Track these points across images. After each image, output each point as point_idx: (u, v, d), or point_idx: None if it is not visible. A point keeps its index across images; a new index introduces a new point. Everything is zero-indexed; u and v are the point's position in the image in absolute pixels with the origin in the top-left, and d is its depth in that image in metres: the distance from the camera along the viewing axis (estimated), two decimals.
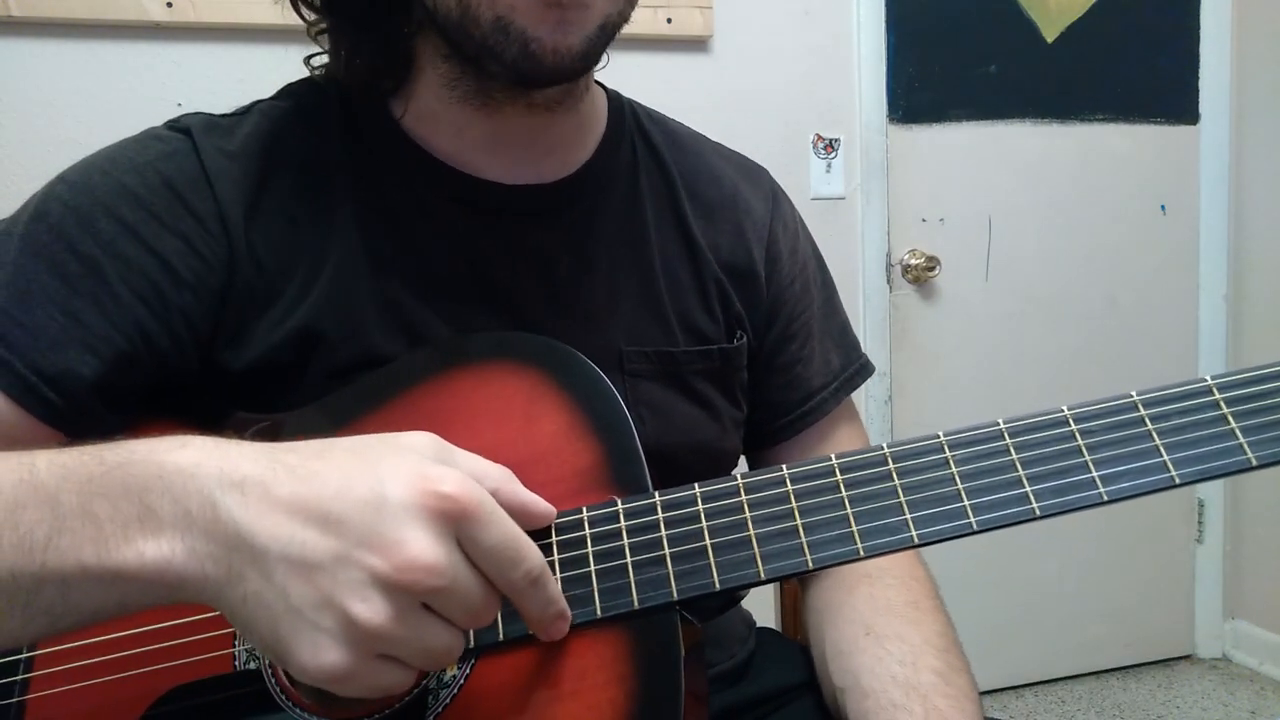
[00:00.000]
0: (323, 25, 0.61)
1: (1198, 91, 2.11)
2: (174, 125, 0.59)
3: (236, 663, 0.49)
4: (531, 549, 0.40)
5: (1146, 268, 2.12)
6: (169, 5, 1.52)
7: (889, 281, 1.98)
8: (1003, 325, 2.06)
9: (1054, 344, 2.08)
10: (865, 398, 1.97)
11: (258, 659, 0.49)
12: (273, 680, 0.48)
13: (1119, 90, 2.07)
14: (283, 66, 0.67)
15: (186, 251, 0.54)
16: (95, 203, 0.53)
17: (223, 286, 0.55)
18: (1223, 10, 2.09)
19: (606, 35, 0.54)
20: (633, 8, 0.56)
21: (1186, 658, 2.24)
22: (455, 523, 0.38)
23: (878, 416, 1.98)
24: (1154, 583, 2.19)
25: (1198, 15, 2.09)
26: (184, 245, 0.54)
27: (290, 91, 0.63)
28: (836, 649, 0.63)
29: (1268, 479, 2.08)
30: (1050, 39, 2.02)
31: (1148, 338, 2.13)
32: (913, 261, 1.98)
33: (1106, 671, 2.19)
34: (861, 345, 0.77)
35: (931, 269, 1.98)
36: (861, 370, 0.74)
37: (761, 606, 0.84)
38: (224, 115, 0.61)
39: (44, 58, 1.51)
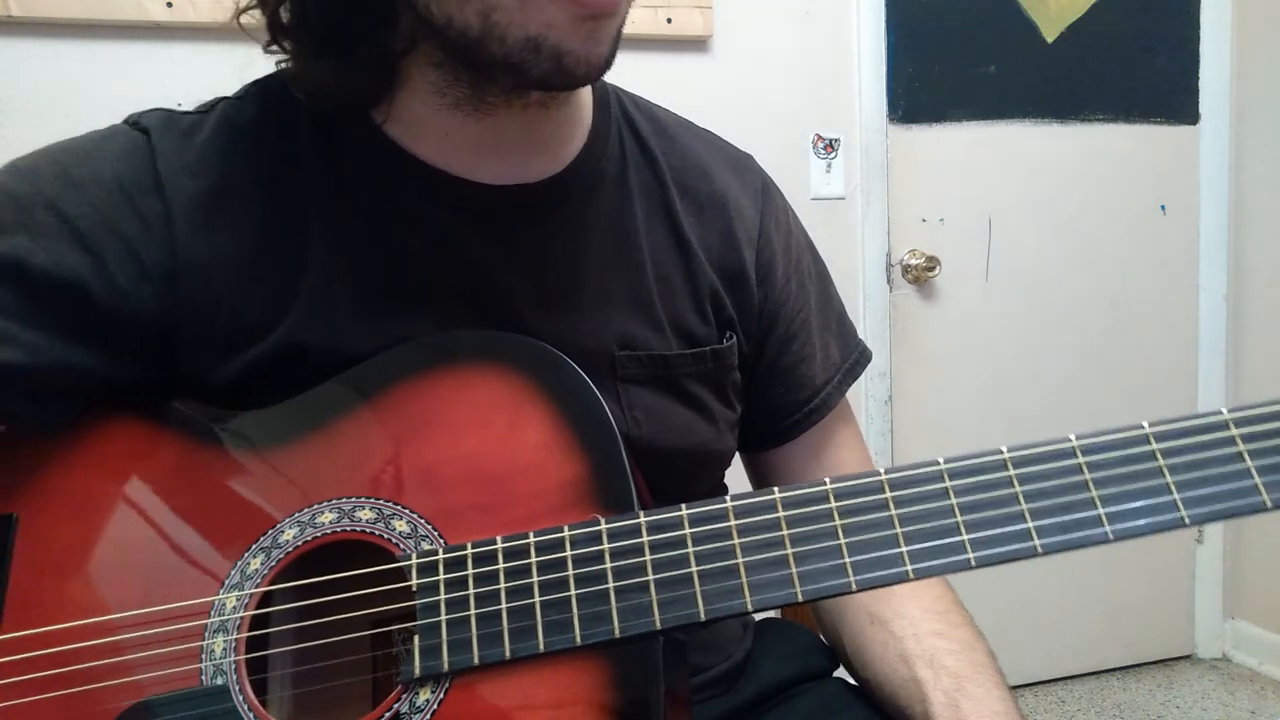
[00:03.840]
0: (286, 46, 0.57)
1: (1198, 91, 2.11)
2: (135, 123, 0.57)
3: (204, 677, 0.47)
4: None
5: (1146, 268, 2.12)
6: (169, 5, 1.52)
7: (889, 281, 1.98)
8: (1003, 325, 2.06)
9: (1054, 344, 2.08)
10: (865, 398, 1.97)
11: (225, 674, 0.47)
12: (240, 697, 0.47)
13: (1119, 90, 2.06)
14: (283, 66, 0.66)
15: (125, 255, 0.52)
16: (37, 193, 0.52)
17: (159, 295, 0.53)
18: (1223, 10, 2.09)
19: (620, 34, 0.53)
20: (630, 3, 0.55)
21: (1186, 658, 2.24)
22: None
23: (878, 416, 1.98)
24: (1154, 583, 2.19)
25: (1198, 15, 2.09)
26: (124, 248, 0.52)
27: (259, 89, 0.60)
28: (853, 647, 0.65)
29: None
30: (1050, 39, 2.02)
31: (1148, 338, 2.13)
32: (913, 261, 1.98)
33: (1106, 671, 2.19)
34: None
35: (931, 269, 1.98)
36: (861, 358, 0.73)
37: None
38: (186, 113, 0.58)
39: (44, 58, 1.51)
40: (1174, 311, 2.15)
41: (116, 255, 0.52)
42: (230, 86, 0.60)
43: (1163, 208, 2.12)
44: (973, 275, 2.04)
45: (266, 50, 0.58)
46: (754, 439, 0.71)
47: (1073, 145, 2.05)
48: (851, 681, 0.68)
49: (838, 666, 0.71)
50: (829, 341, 0.71)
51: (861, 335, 0.72)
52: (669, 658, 0.46)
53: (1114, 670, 2.19)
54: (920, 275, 1.98)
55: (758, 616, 0.78)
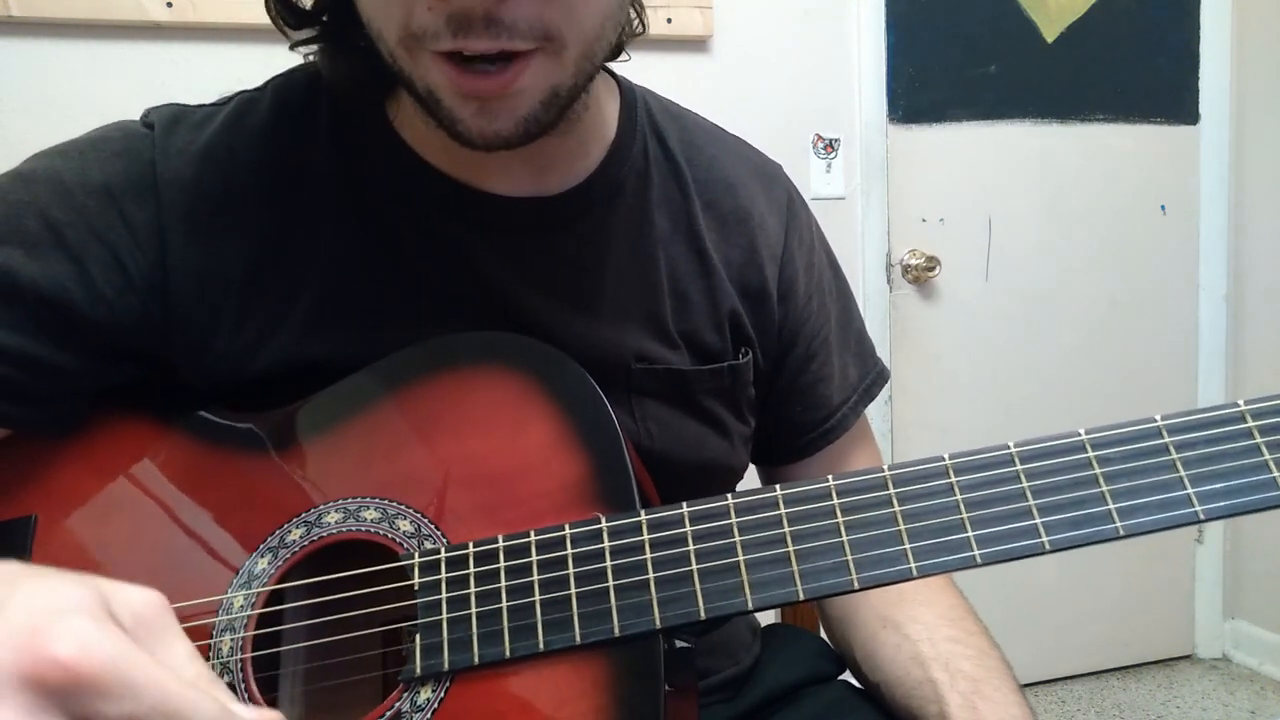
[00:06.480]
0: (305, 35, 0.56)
1: (1198, 91, 2.11)
2: (145, 116, 0.56)
3: None
4: (199, 706, 0.30)
5: (1146, 268, 2.12)
6: (169, 5, 1.52)
7: (889, 281, 1.98)
8: (1003, 325, 2.06)
9: (1054, 344, 2.08)
10: None
11: (230, 671, 0.47)
12: (246, 695, 0.47)
13: (1119, 90, 2.06)
14: (283, 67, 0.66)
15: (110, 263, 0.51)
16: (31, 200, 0.51)
17: (146, 305, 0.53)
18: (1223, 10, 2.09)
19: (560, 102, 0.48)
20: (595, 67, 0.50)
21: (1186, 658, 2.24)
22: (64, 697, 0.28)
23: (878, 417, 1.98)
24: (1154, 583, 2.19)
25: (1198, 15, 2.09)
26: (109, 256, 0.51)
27: (278, 85, 0.59)
28: (864, 651, 0.64)
29: None
30: (1050, 39, 2.02)
31: (1148, 338, 2.13)
32: (913, 261, 1.98)
33: (1106, 671, 2.19)
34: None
35: (931, 269, 1.98)
36: (878, 379, 0.72)
37: None
38: (200, 106, 0.57)
39: (44, 58, 1.51)
40: (1174, 311, 2.15)
41: (101, 263, 0.51)
42: (229, 88, 0.60)
43: (1163, 208, 2.12)
44: (973, 275, 2.04)
45: (293, 47, 0.56)
46: (769, 454, 0.70)
47: (1073, 145, 2.05)
48: (856, 685, 0.68)
49: (843, 670, 0.70)
50: (847, 361, 0.70)
51: None
52: (674, 658, 0.46)
53: (1114, 670, 2.19)
54: (920, 275, 1.98)
55: (764, 622, 0.77)
